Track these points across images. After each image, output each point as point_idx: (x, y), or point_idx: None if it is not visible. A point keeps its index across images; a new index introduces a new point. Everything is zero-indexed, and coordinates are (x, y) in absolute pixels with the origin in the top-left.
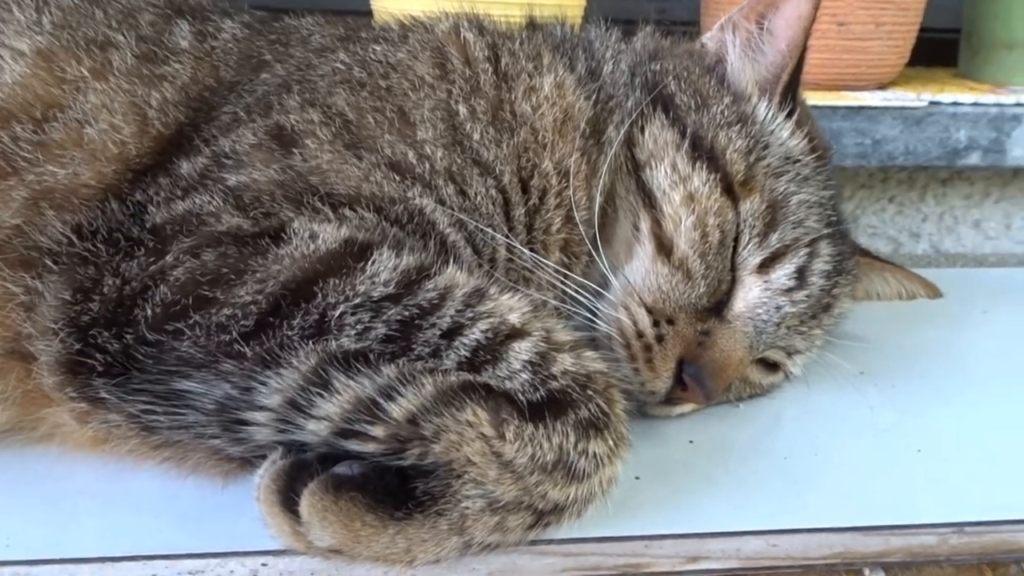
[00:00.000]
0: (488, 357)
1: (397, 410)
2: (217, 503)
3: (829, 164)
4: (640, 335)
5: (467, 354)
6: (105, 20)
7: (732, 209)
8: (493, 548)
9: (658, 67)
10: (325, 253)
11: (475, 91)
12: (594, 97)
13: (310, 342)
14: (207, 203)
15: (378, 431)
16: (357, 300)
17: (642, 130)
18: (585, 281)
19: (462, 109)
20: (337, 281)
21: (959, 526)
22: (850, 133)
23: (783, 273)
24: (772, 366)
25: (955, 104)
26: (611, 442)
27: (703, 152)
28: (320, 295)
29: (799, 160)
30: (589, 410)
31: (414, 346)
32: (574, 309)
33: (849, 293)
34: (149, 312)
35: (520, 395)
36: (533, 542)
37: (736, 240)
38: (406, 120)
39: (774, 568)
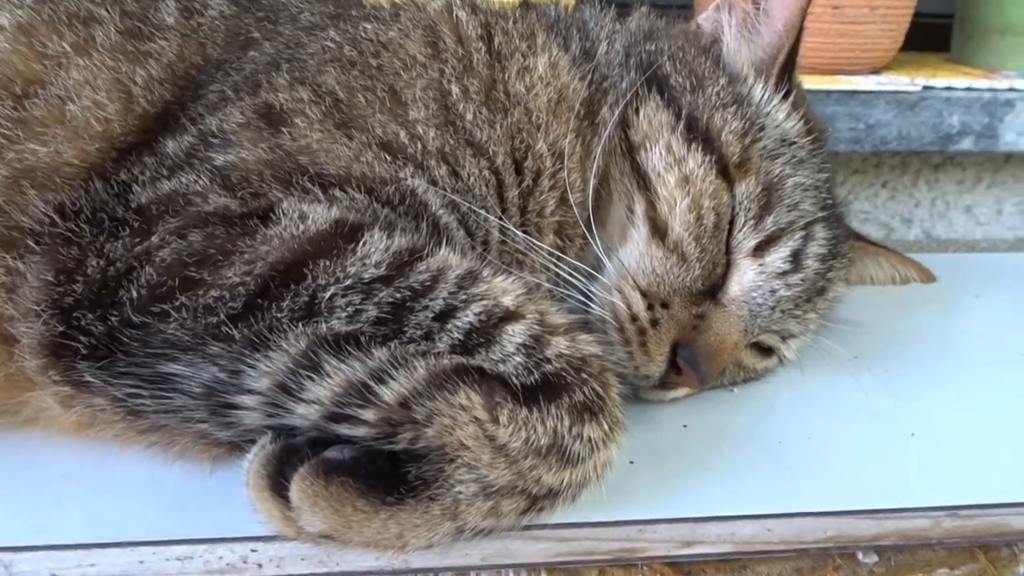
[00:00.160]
0: (481, 340)
1: (389, 393)
2: (205, 489)
3: (824, 147)
4: (634, 318)
5: (460, 337)
6: None
7: (727, 191)
8: (486, 533)
9: (653, 48)
10: (315, 234)
11: (468, 71)
12: (589, 78)
13: (300, 324)
14: (194, 183)
15: (369, 415)
16: (348, 282)
17: (637, 111)
18: (579, 264)
19: (455, 89)
20: (327, 263)
21: (952, 509)
22: (844, 117)
23: (778, 256)
24: (766, 350)
25: (949, 89)
26: (606, 426)
27: (698, 134)
28: (310, 277)
29: (795, 142)
30: (584, 394)
31: (406, 329)
32: (568, 292)
33: (844, 277)
34: (134, 293)
35: (514, 378)
36: (526, 527)
37: (731, 223)
38: (397, 99)
39: (768, 552)
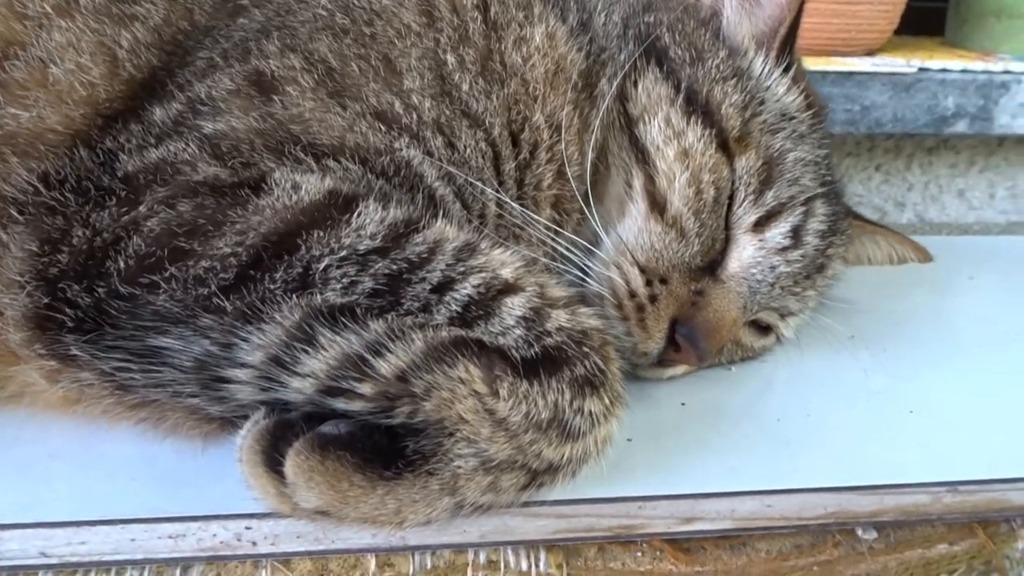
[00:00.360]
0: (480, 312)
1: (386, 366)
2: (196, 466)
3: (824, 122)
4: (632, 295)
5: (458, 309)
6: None
7: (727, 166)
8: (485, 509)
9: (651, 19)
10: (308, 204)
11: (464, 40)
12: (586, 49)
13: (294, 296)
14: (182, 151)
15: (366, 388)
16: (342, 253)
17: (635, 84)
18: (576, 239)
19: (450, 59)
20: (321, 233)
21: (952, 485)
22: (839, 99)
23: (778, 232)
24: (764, 329)
25: (944, 71)
26: (607, 400)
27: (698, 107)
28: (303, 247)
29: (795, 117)
30: (585, 367)
31: (403, 301)
32: (565, 267)
33: (843, 254)
34: (122, 264)
35: (514, 351)
36: (525, 504)
37: (731, 198)
38: (392, 69)
39: (768, 528)
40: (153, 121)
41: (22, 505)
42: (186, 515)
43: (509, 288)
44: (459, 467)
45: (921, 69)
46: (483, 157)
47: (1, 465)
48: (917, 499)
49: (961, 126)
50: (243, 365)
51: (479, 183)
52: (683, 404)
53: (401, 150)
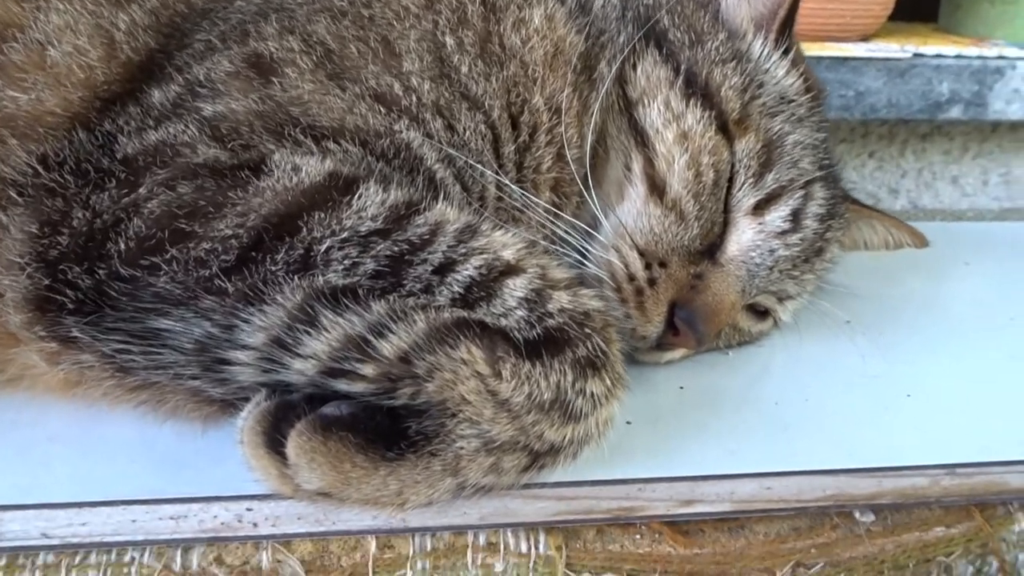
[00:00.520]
0: (482, 294)
1: (388, 348)
2: (197, 448)
3: (823, 106)
4: (631, 278)
5: (460, 290)
6: None
7: (727, 148)
8: (487, 491)
9: (651, 1)
10: (309, 186)
11: (463, 22)
12: (586, 31)
13: (295, 277)
14: (181, 133)
15: (368, 370)
16: (344, 235)
17: (634, 67)
18: (576, 222)
19: (449, 41)
20: (323, 215)
21: (951, 467)
22: (833, 84)
23: (778, 215)
24: (762, 313)
25: (938, 56)
26: (608, 382)
27: (697, 89)
28: (305, 229)
29: (794, 100)
30: (587, 348)
31: (405, 282)
32: (564, 250)
33: (840, 238)
34: (122, 246)
35: (516, 332)
36: (525, 486)
37: (730, 181)
38: (391, 51)
39: (767, 511)
40: (152, 103)
41: (23, 488)
42: (187, 496)
43: (511, 269)
44: (461, 448)
45: (916, 55)
46: (482, 139)
47: (2, 447)
48: (915, 482)
49: (955, 112)
50: (244, 347)
51: (479, 165)
52: (682, 388)
53: (401, 132)
